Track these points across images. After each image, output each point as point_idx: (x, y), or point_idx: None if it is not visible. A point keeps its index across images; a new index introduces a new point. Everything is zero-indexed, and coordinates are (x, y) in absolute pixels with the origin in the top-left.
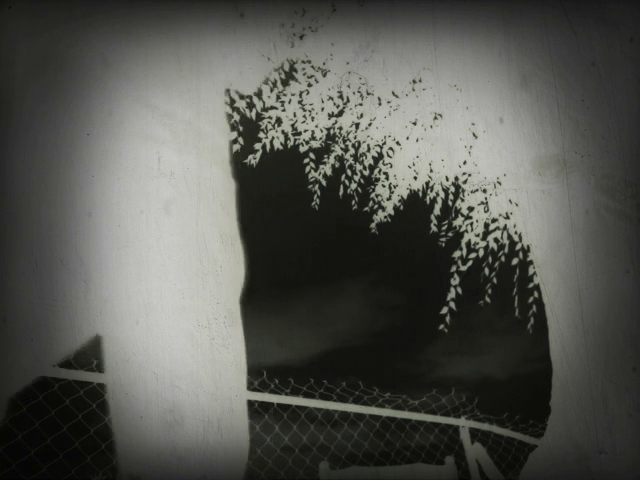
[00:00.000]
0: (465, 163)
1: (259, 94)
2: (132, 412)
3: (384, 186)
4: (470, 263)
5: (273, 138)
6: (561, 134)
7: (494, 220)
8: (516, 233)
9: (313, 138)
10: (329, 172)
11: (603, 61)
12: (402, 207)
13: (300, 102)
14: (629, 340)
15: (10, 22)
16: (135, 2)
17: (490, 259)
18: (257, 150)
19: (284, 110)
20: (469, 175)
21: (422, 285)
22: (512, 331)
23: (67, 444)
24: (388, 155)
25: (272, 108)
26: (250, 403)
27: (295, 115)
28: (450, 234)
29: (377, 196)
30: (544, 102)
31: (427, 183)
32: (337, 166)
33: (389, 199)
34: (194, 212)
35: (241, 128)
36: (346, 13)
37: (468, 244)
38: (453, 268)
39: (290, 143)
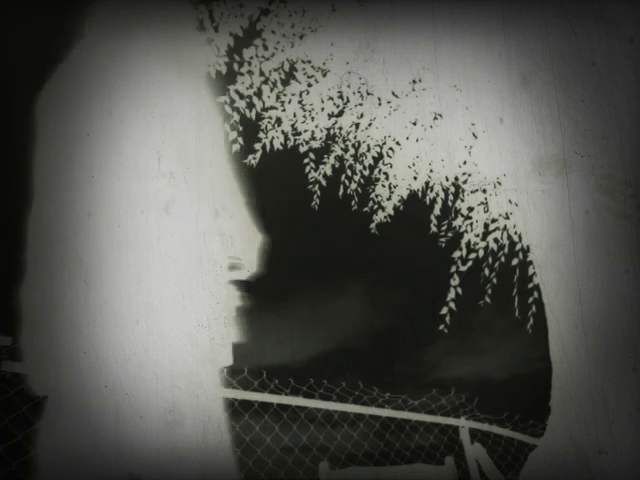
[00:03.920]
0: (465, 163)
1: (259, 94)
2: (132, 412)
3: (384, 186)
4: (470, 263)
5: (273, 138)
6: (561, 134)
7: (494, 220)
8: (516, 233)
9: (313, 138)
10: (329, 172)
11: (603, 61)
12: (402, 207)
13: (300, 102)
14: (629, 340)
15: (10, 22)
16: (136, 2)
17: (490, 259)
18: (257, 150)
19: (284, 110)
20: (469, 175)
21: (422, 285)
22: (512, 331)
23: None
24: (388, 155)
25: (272, 108)
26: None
27: (295, 115)
28: (450, 234)
29: (377, 196)
30: (544, 102)
31: (427, 183)
32: (337, 166)
33: (389, 199)
34: (194, 212)
35: (241, 128)
36: (346, 13)
37: (468, 244)
38: (453, 268)
39: (290, 143)
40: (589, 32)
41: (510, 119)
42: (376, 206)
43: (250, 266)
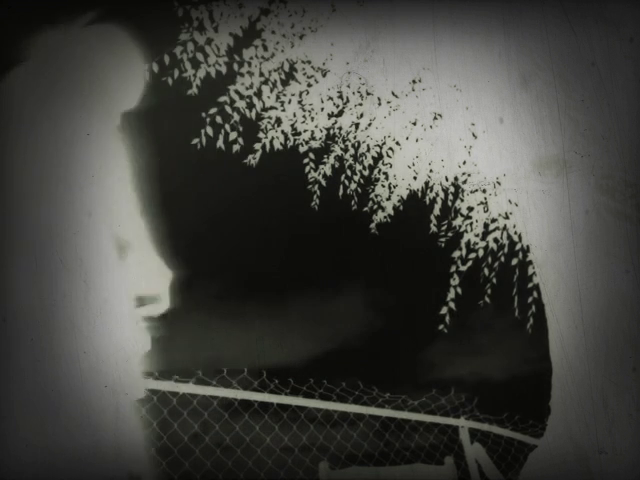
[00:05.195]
0: (465, 163)
1: (259, 94)
2: (132, 412)
3: (384, 186)
4: (470, 263)
5: (273, 138)
6: (561, 134)
7: (494, 220)
8: (516, 233)
9: (313, 138)
10: (329, 172)
11: (603, 61)
12: (402, 207)
13: (300, 102)
14: (629, 340)
15: (10, 22)
16: (136, 3)
17: (490, 259)
18: (257, 150)
19: (284, 110)
20: (469, 175)
21: (422, 285)
22: (512, 331)
23: None
24: (388, 155)
25: (272, 108)
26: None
27: (295, 115)
28: (450, 234)
29: (377, 196)
30: (544, 102)
31: (427, 183)
32: (337, 166)
33: (389, 199)
34: None
35: (241, 128)
36: (346, 13)
37: (468, 244)
38: (453, 268)
39: (290, 143)
40: (589, 32)
41: (510, 119)
42: (376, 206)
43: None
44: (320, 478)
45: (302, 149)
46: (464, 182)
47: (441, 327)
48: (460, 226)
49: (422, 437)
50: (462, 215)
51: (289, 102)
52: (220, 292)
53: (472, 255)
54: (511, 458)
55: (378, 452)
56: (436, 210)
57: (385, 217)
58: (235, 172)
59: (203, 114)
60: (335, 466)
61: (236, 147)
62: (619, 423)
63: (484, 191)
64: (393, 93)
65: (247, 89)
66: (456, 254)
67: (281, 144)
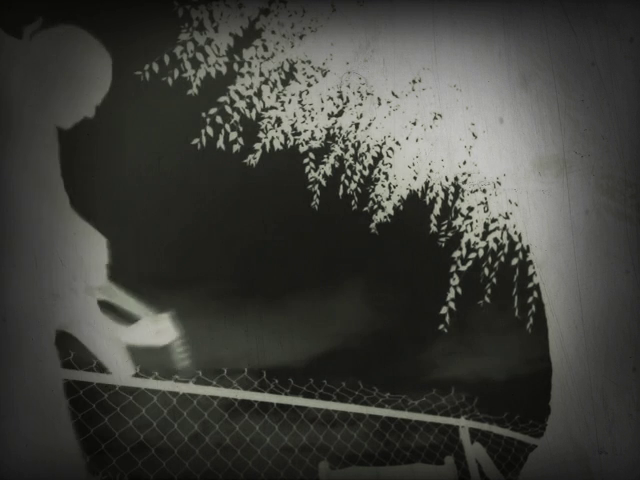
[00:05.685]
0: (465, 163)
1: (259, 94)
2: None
3: (384, 186)
4: (470, 263)
5: (273, 138)
6: (561, 134)
7: (494, 220)
8: (516, 233)
9: (313, 138)
10: (329, 172)
11: (603, 61)
12: (402, 207)
13: (300, 102)
14: (629, 340)
15: (10, 22)
16: (136, 2)
17: (490, 259)
18: (257, 150)
19: (284, 110)
20: (469, 175)
21: (422, 285)
22: (512, 331)
23: None
24: (388, 155)
25: (272, 108)
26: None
27: (295, 115)
28: (450, 234)
29: (377, 196)
30: (544, 102)
31: (427, 183)
32: (337, 166)
33: (389, 199)
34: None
35: (241, 128)
36: (346, 13)
37: (468, 244)
38: (453, 268)
39: (290, 143)
40: (589, 32)
41: (510, 119)
42: (376, 206)
43: None
44: (320, 478)
45: (302, 149)
46: (464, 182)
47: (441, 327)
48: (460, 226)
49: (422, 437)
50: (462, 215)
51: (289, 102)
52: (220, 292)
53: (472, 255)
54: (511, 458)
55: (378, 452)
56: (436, 210)
57: (385, 217)
58: (235, 172)
59: (203, 114)
60: (335, 466)
61: (236, 147)
62: (619, 423)
63: (484, 191)
64: (393, 93)
65: (247, 89)
66: (456, 254)
67: (281, 144)
